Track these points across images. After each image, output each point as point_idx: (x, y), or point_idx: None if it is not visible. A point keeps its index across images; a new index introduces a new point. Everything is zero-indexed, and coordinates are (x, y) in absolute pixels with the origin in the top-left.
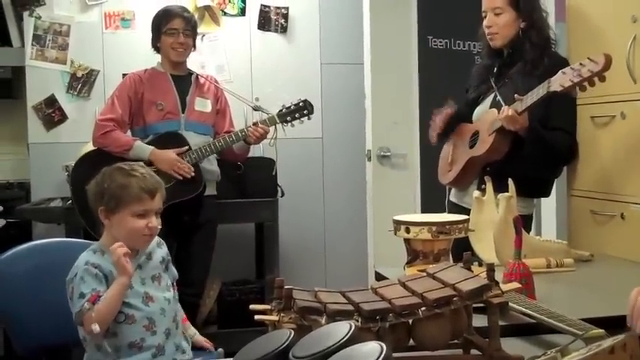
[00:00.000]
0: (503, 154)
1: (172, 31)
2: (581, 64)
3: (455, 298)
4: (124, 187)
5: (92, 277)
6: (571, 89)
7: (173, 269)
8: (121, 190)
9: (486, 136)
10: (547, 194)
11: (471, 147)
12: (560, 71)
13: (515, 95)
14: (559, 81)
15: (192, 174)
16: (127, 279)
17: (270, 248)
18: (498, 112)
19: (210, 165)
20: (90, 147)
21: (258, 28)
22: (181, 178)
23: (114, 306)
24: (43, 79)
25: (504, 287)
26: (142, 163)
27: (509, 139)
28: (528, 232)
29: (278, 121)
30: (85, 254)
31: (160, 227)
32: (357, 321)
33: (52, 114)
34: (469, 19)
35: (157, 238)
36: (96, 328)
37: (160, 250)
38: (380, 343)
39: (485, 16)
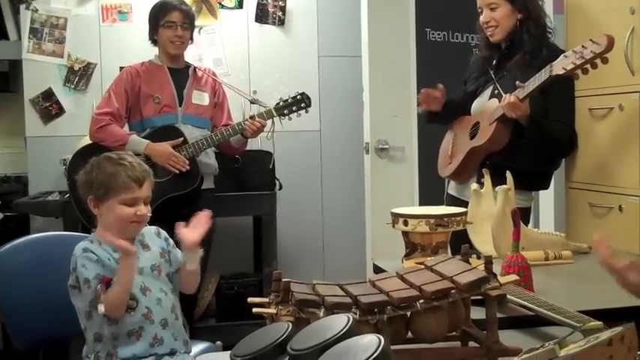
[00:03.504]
0: (505, 143)
1: (170, 23)
2: (583, 46)
3: (453, 291)
4: (112, 176)
5: (93, 263)
6: (573, 72)
7: (177, 254)
8: (109, 179)
9: (487, 126)
10: (546, 187)
11: (472, 138)
12: (562, 55)
13: (517, 82)
14: (561, 64)
15: (187, 167)
16: (130, 258)
17: (268, 241)
18: (499, 103)
19: (208, 158)
20: (87, 140)
21: (256, 21)
22: (177, 171)
23: (122, 288)
24: (40, 72)
25: (502, 280)
26: (130, 153)
27: (510, 128)
28: (526, 225)
29: (275, 115)
30: (81, 243)
31: (149, 215)
32: (355, 314)
33: (50, 107)
34: (467, 11)
35: (153, 228)
36: (100, 308)
37: (158, 240)
38: (378, 335)
39: (482, 12)
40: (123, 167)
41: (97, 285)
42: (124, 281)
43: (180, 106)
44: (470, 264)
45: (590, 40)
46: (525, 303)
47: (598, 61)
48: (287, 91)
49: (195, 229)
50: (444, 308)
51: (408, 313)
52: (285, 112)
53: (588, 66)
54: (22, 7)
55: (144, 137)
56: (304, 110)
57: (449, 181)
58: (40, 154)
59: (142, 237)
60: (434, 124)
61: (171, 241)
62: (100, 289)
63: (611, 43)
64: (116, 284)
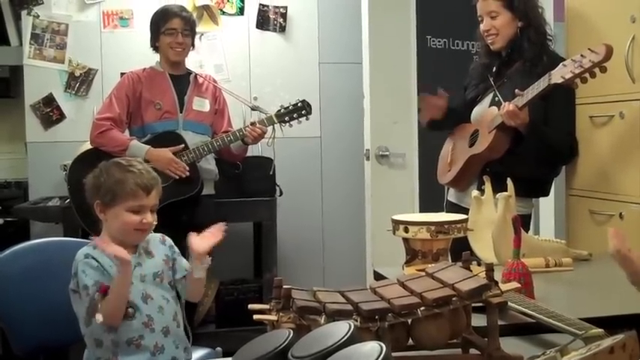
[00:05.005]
0: (504, 151)
1: (171, 30)
2: (582, 55)
3: (454, 298)
4: (120, 183)
5: (93, 269)
6: (572, 81)
7: (182, 262)
8: (116, 185)
9: (486, 134)
10: (546, 194)
11: (471, 146)
12: (560, 64)
13: (516, 90)
14: (560, 73)
15: (187, 173)
16: (126, 267)
17: (268, 247)
18: (498, 110)
19: (208, 164)
20: (88, 146)
21: (257, 28)
22: (177, 177)
23: (118, 297)
24: (41, 78)
25: (503, 287)
26: (140, 159)
27: (509, 136)
28: (527, 232)
29: (276, 121)
30: (84, 248)
31: (155, 223)
32: (356, 321)
33: (50, 113)
34: (468, 18)
35: (158, 235)
36: (99, 317)
37: (162, 247)
38: (379, 342)
39: (482, 21)
40: (131, 174)
41: (95, 293)
42: (121, 290)
43: (181, 112)
44: (471, 271)
45: (589, 49)
46: (526, 310)
47: (597, 70)
48: (288, 97)
49: (206, 238)
50: (445, 315)
51: (409, 321)
52: (286, 119)
53: (587, 75)
54: (24, 12)
55: (145, 143)
56: (305, 117)
57: (449, 188)
58: (40, 160)
59: (145, 244)
60: (436, 131)
61: (176, 248)
62: (98, 297)
63: (609, 53)
64: (112, 293)
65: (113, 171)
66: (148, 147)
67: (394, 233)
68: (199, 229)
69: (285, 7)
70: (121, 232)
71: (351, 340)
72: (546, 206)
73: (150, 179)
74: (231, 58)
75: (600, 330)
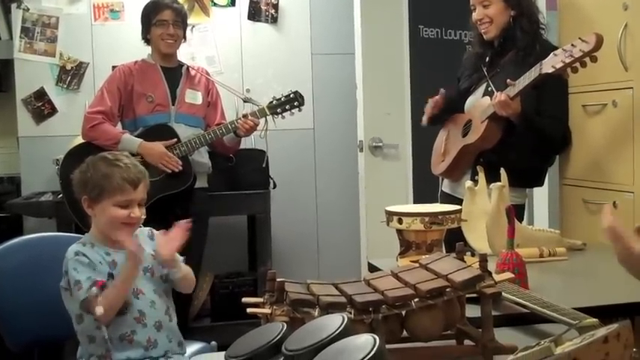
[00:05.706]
0: (496, 141)
1: (162, 22)
2: (572, 44)
3: (448, 289)
4: (107, 177)
5: (84, 266)
6: (563, 70)
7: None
8: (103, 180)
9: (479, 124)
10: (540, 184)
11: (464, 136)
12: (551, 53)
13: (508, 80)
14: (551, 62)
15: (180, 168)
16: (136, 262)
17: (262, 240)
18: (491, 100)
19: (201, 157)
20: (80, 140)
21: (248, 19)
22: (170, 171)
23: (122, 290)
24: (32, 71)
25: (497, 277)
26: (127, 153)
27: (501, 126)
28: (521, 222)
29: (268, 113)
30: (73, 246)
31: (144, 217)
32: (350, 313)
33: (42, 107)
34: (460, 8)
35: (147, 230)
36: (100, 310)
37: (151, 242)
38: (373, 335)
39: (474, 9)
40: (118, 169)
41: (90, 287)
42: (126, 284)
43: (173, 105)
44: (464, 262)
45: (580, 38)
46: (520, 300)
47: (588, 59)
48: (280, 89)
49: (171, 241)
50: (439, 307)
51: (403, 312)
52: (279, 110)
53: (578, 64)
54: (13, 5)
55: (137, 136)
56: (297, 109)
57: (443, 179)
58: (32, 155)
59: (135, 239)
60: (437, 125)
61: None
62: (96, 292)
63: (599, 42)
64: (116, 286)
65: (100, 166)
66: (140, 140)
67: (388, 224)
68: (192, 222)
69: None
70: (110, 227)
71: (345, 332)
72: (540, 196)
73: (137, 173)
74: (223, 49)
75: (594, 319)
